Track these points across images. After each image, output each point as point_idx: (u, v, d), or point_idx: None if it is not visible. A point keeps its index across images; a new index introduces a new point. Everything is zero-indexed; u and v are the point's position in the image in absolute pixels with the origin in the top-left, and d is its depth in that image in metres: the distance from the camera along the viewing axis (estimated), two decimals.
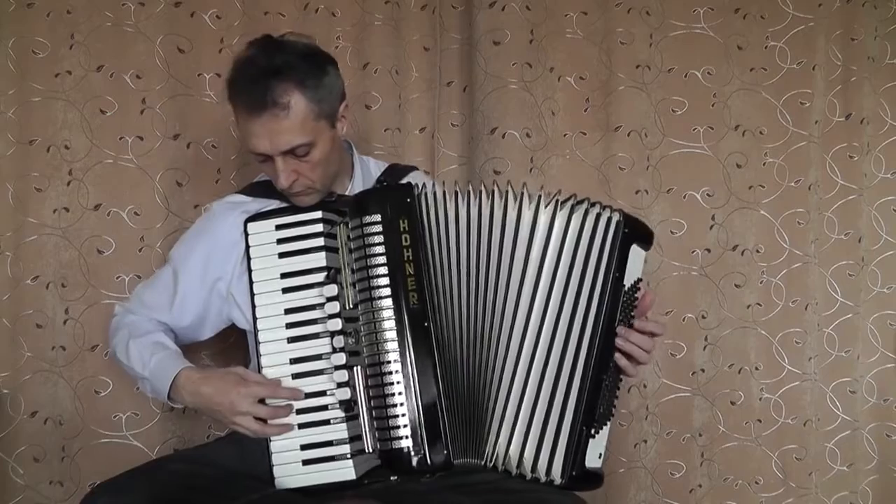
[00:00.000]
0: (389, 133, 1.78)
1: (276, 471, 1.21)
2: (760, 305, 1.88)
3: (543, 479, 1.23)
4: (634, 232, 1.28)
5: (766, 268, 1.88)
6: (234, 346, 1.58)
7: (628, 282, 1.28)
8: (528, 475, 1.24)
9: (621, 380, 1.31)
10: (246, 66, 1.23)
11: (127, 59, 1.66)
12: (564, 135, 1.83)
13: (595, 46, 1.84)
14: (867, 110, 1.90)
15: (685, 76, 1.86)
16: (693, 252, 1.87)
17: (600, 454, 1.27)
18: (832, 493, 1.92)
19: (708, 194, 1.87)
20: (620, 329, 1.26)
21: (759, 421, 1.88)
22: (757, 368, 1.88)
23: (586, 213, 1.26)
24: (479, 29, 1.79)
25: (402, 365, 1.19)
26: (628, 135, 1.84)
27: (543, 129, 1.81)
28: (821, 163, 1.89)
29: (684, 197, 1.87)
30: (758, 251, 1.88)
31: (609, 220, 1.26)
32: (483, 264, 1.26)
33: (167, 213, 1.67)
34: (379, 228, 1.22)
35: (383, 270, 1.21)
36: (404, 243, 1.22)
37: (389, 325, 1.20)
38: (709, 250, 1.87)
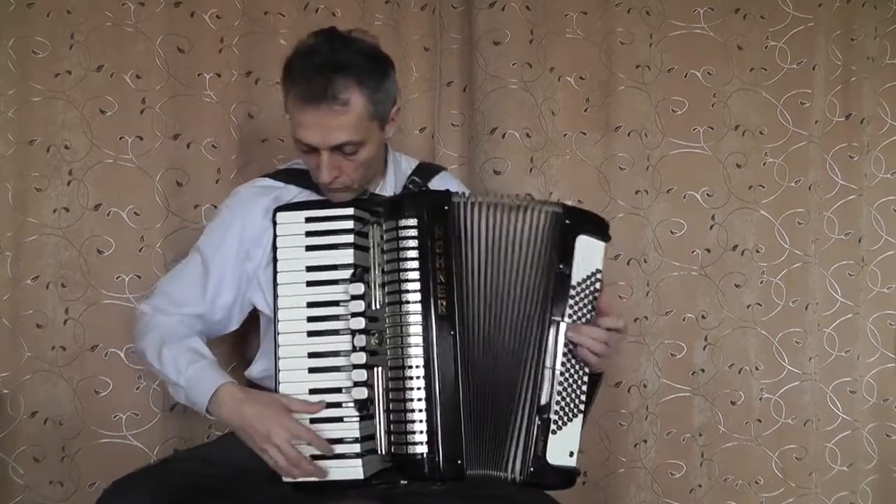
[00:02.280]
0: None
1: None
2: (760, 305, 1.88)
3: (509, 477, 1.22)
4: (580, 223, 1.28)
5: (766, 268, 1.88)
6: (241, 340, 1.58)
7: (580, 274, 1.27)
8: (501, 475, 1.23)
9: (586, 374, 1.28)
10: (309, 56, 1.22)
11: (127, 58, 1.66)
12: (564, 135, 1.83)
13: (595, 46, 1.84)
14: (867, 110, 1.90)
15: (685, 76, 1.86)
16: (693, 252, 1.87)
17: (571, 452, 1.25)
18: (832, 493, 1.92)
19: (708, 194, 1.87)
20: (570, 324, 1.25)
21: (759, 421, 1.88)
22: (757, 368, 1.88)
23: (536, 211, 1.27)
24: (479, 29, 1.79)
25: (425, 370, 1.18)
26: (628, 135, 1.84)
27: (543, 129, 1.81)
28: (821, 163, 1.90)
29: (684, 197, 1.87)
30: (758, 251, 1.88)
31: (547, 212, 1.27)
32: (502, 277, 1.26)
33: (167, 213, 1.67)
34: (414, 233, 1.21)
35: (415, 275, 1.20)
36: (437, 250, 1.21)
37: (416, 329, 1.19)
38: (709, 250, 1.87)
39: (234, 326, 1.41)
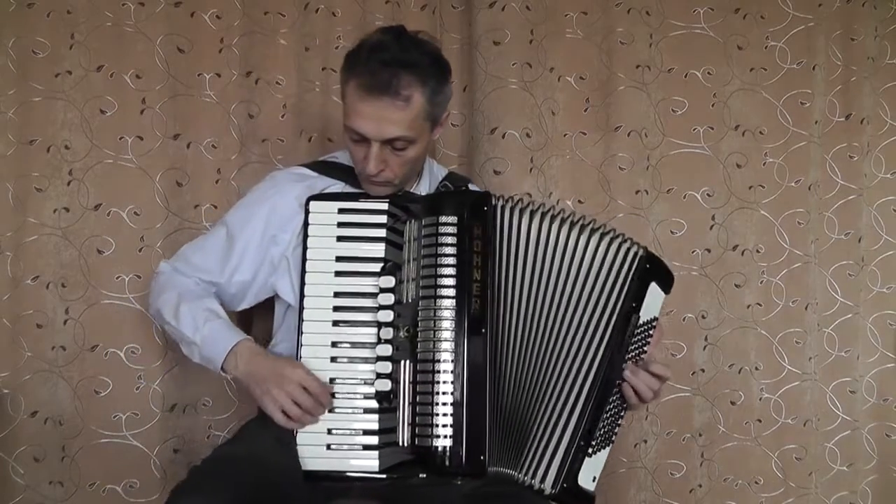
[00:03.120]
0: None
1: (301, 451, 1.21)
2: (760, 305, 1.88)
3: (537, 486, 1.24)
4: (655, 270, 1.31)
5: (766, 268, 1.88)
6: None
7: (644, 317, 1.30)
8: (522, 479, 1.24)
9: (626, 409, 1.32)
10: (378, 50, 1.24)
11: (127, 59, 1.66)
12: (564, 135, 1.83)
13: (595, 46, 1.84)
14: (867, 110, 1.90)
15: (685, 76, 1.86)
16: (693, 252, 1.87)
17: (594, 477, 1.28)
18: (832, 493, 1.92)
19: (708, 194, 1.87)
20: (631, 365, 1.29)
21: (759, 421, 1.88)
22: (757, 368, 1.88)
23: (611, 240, 1.29)
24: (479, 29, 1.79)
25: (454, 365, 1.18)
26: (628, 135, 1.84)
27: (543, 129, 1.81)
28: (821, 163, 1.90)
29: (684, 197, 1.87)
30: (758, 251, 1.88)
31: (629, 250, 1.29)
32: (546, 287, 1.27)
33: (167, 213, 1.67)
34: (453, 230, 1.22)
35: (451, 272, 1.20)
36: (475, 249, 1.22)
37: (448, 325, 1.19)
38: (709, 250, 1.87)
39: (244, 306, 1.42)
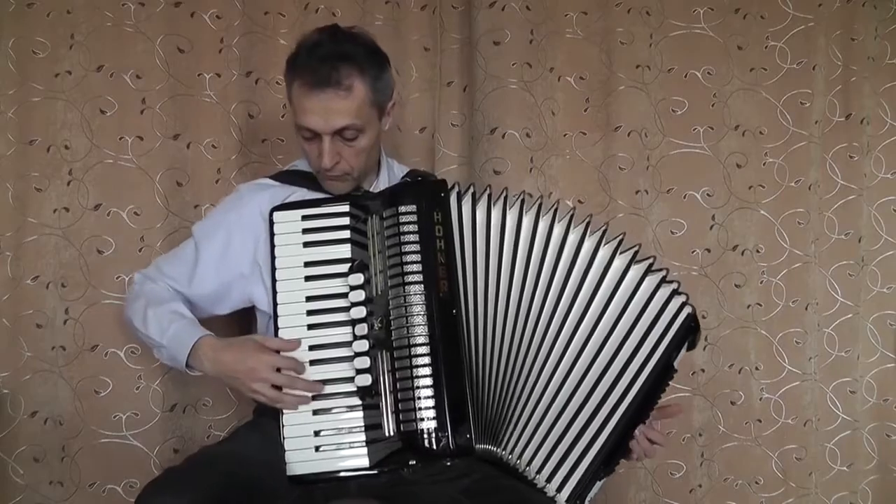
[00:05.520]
0: (389, 133, 1.78)
1: (289, 456, 1.21)
2: (760, 305, 1.88)
3: (551, 492, 1.25)
4: (696, 328, 1.30)
5: (766, 268, 1.88)
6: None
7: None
8: (536, 481, 1.25)
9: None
10: (315, 48, 1.30)
11: (127, 59, 1.66)
12: (564, 135, 1.83)
13: (595, 46, 1.84)
14: (867, 110, 1.90)
15: (685, 76, 1.86)
16: (693, 252, 1.87)
17: (590, 499, 1.29)
18: (832, 493, 1.92)
19: (708, 194, 1.87)
20: (647, 423, 1.29)
21: (759, 421, 1.88)
22: (757, 368, 1.88)
23: (661, 283, 1.28)
24: (479, 29, 1.79)
25: (430, 348, 1.20)
26: (628, 135, 1.84)
27: (543, 129, 1.81)
28: (821, 163, 1.89)
29: (684, 197, 1.87)
30: (758, 251, 1.88)
31: (682, 305, 1.29)
32: (528, 278, 1.28)
33: (167, 213, 1.67)
34: (414, 218, 1.25)
35: (415, 258, 1.24)
36: (437, 234, 1.25)
37: (419, 309, 1.22)
38: (709, 250, 1.87)
39: (225, 310, 1.45)
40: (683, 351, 1.31)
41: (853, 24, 1.89)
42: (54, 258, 1.64)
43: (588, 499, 1.28)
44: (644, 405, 1.26)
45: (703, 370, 1.87)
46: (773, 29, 1.88)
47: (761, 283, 1.88)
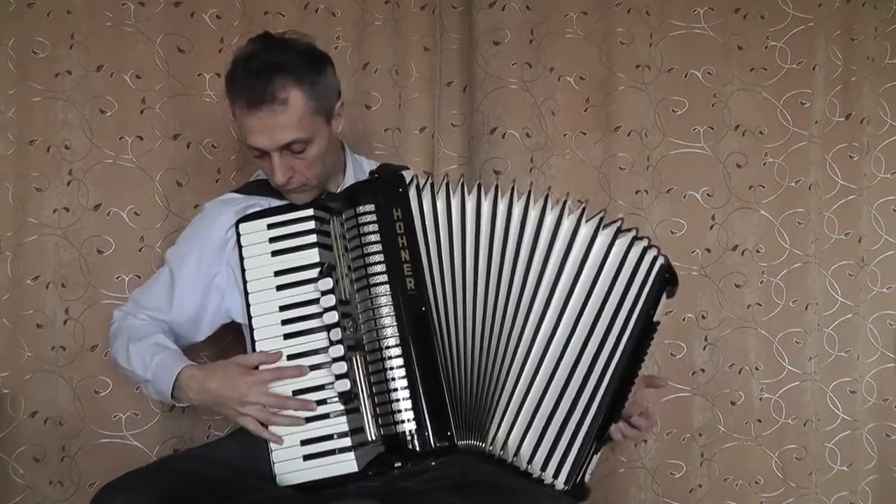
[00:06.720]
0: (389, 133, 1.78)
1: (277, 468, 1.21)
2: (760, 305, 1.88)
3: (548, 480, 1.24)
4: (672, 279, 1.29)
5: (766, 268, 1.88)
6: (233, 344, 1.58)
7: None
8: (531, 471, 1.24)
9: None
10: (246, 62, 1.26)
11: (127, 58, 1.66)
12: (564, 135, 1.83)
13: (595, 46, 1.84)
14: (867, 110, 1.90)
15: (685, 76, 1.86)
16: (693, 252, 1.86)
17: (590, 473, 1.28)
18: (832, 493, 1.92)
19: (708, 194, 1.87)
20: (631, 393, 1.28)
21: (759, 421, 1.88)
22: (757, 368, 1.88)
23: (633, 242, 1.27)
24: (479, 29, 1.79)
25: (401, 349, 1.20)
26: (628, 135, 1.84)
27: (543, 129, 1.81)
28: (821, 163, 1.89)
29: (684, 197, 1.87)
30: (758, 251, 1.88)
31: (654, 259, 1.27)
32: (493, 261, 1.26)
33: (167, 213, 1.67)
34: (373, 218, 1.24)
35: (379, 258, 1.22)
36: (399, 231, 1.23)
37: (387, 310, 1.21)
38: (709, 250, 1.87)
39: (205, 333, 1.44)
40: (663, 301, 1.29)
41: (853, 24, 1.89)
42: (54, 258, 1.64)
43: (588, 473, 1.26)
44: (630, 367, 1.25)
45: (703, 370, 1.87)
46: (773, 29, 1.88)
47: (761, 283, 1.88)
